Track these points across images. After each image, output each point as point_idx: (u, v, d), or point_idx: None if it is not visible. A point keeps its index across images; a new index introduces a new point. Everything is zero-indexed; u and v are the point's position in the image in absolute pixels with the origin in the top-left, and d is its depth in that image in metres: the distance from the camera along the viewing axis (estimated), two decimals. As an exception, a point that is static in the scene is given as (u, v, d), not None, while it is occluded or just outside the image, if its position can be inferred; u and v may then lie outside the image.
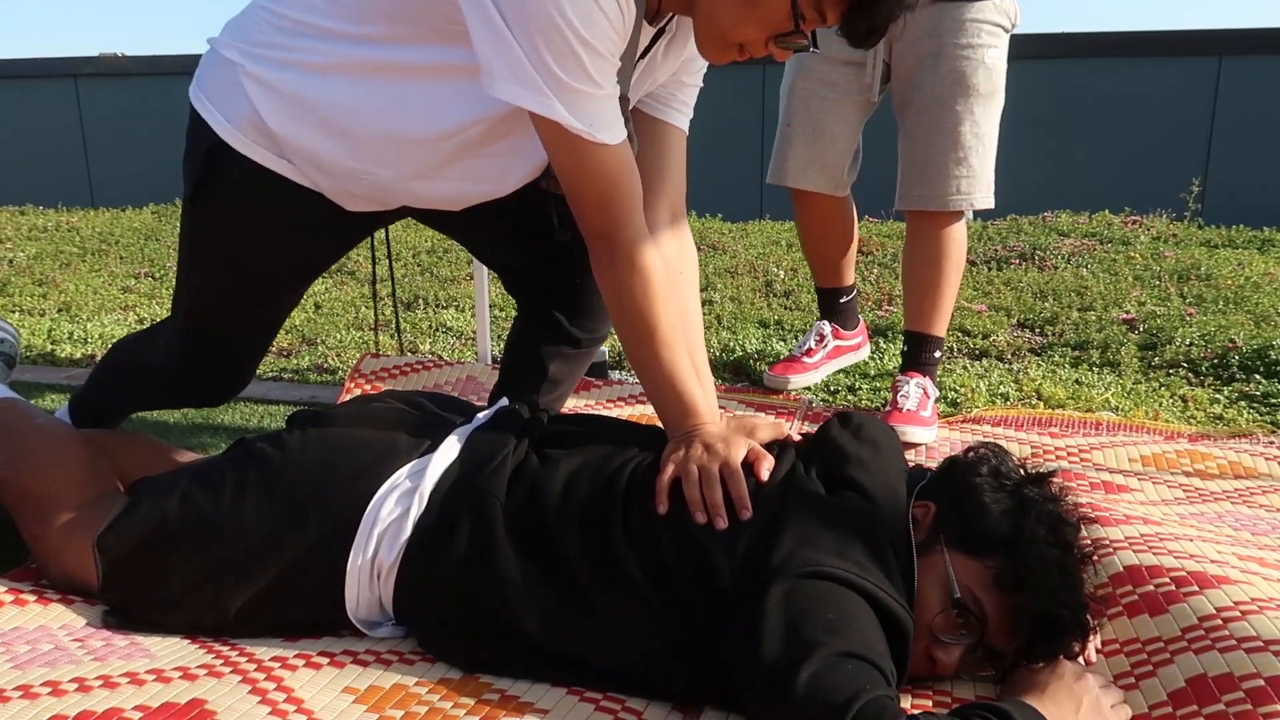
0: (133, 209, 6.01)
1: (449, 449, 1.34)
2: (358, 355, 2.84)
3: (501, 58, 1.21)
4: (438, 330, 3.30)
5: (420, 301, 3.66)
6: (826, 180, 2.36)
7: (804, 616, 1.07)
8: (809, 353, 2.58)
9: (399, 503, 1.29)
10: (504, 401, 1.50)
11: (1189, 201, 5.11)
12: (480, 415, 1.44)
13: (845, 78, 2.26)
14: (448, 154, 1.41)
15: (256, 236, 1.53)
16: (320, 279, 3.78)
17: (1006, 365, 2.88)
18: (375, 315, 3.19)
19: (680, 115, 1.54)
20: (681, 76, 1.51)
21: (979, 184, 2.21)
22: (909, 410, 2.24)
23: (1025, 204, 5.28)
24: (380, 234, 1.89)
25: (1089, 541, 1.31)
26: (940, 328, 2.34)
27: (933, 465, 1.38)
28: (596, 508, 1.27)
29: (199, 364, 1.67)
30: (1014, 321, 3.28)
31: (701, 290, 2.00)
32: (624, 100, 1.36)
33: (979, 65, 2.14)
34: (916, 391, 2.27)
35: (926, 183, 2.22)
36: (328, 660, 1.26)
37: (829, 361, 2.60)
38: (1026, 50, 6.16)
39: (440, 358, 2.66)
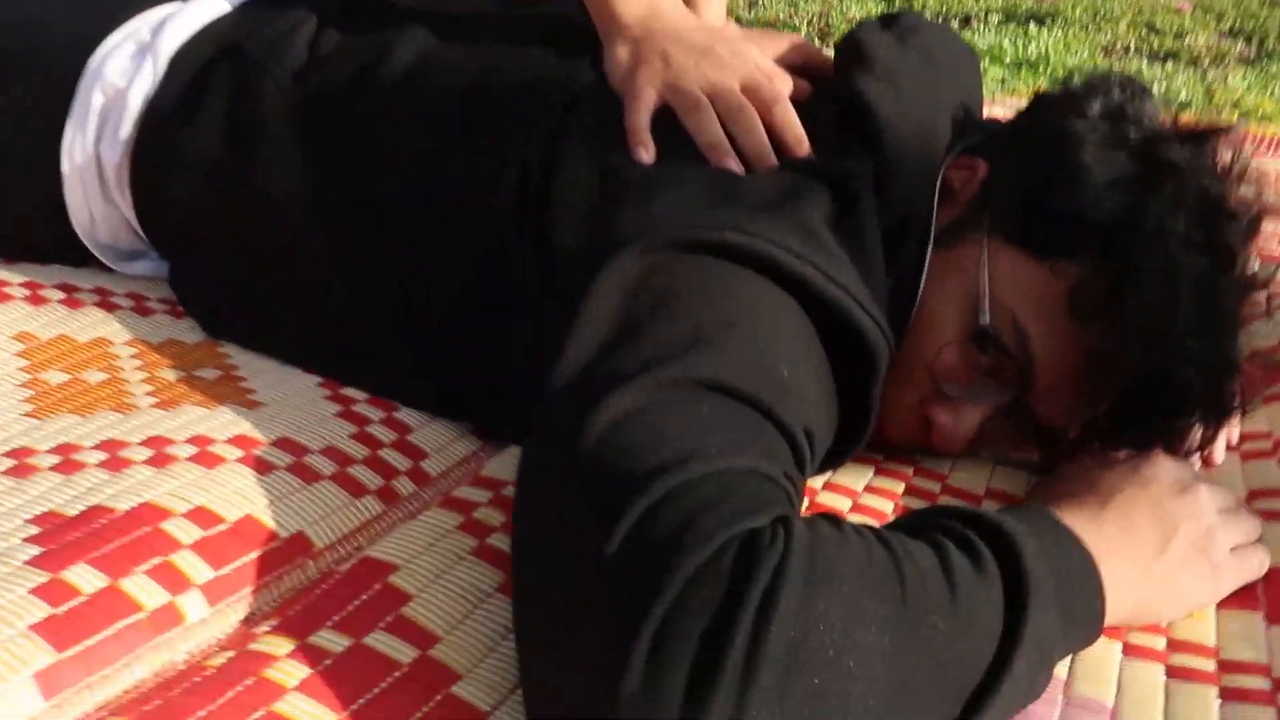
0: None
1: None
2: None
3: None
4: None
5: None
6: None
7: (656, 307, 0.56)
8: None
9: (131, 61, 0.83)
10: None
11: None
12: None
13: None
14: None
15: None
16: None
17: (1200, 72, 2.15)
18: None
19: None
20: None
21: None
22: None
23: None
24: None
25: (1268, 258, 0.75)
26: None
27: None
28: (465, 102, 0.77)
29: None
30: (1224, 28, 2.50)
31: None
32: None
33: None
34: None
35: None
36: (27, 293, 0.85)
37: None
38: None
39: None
